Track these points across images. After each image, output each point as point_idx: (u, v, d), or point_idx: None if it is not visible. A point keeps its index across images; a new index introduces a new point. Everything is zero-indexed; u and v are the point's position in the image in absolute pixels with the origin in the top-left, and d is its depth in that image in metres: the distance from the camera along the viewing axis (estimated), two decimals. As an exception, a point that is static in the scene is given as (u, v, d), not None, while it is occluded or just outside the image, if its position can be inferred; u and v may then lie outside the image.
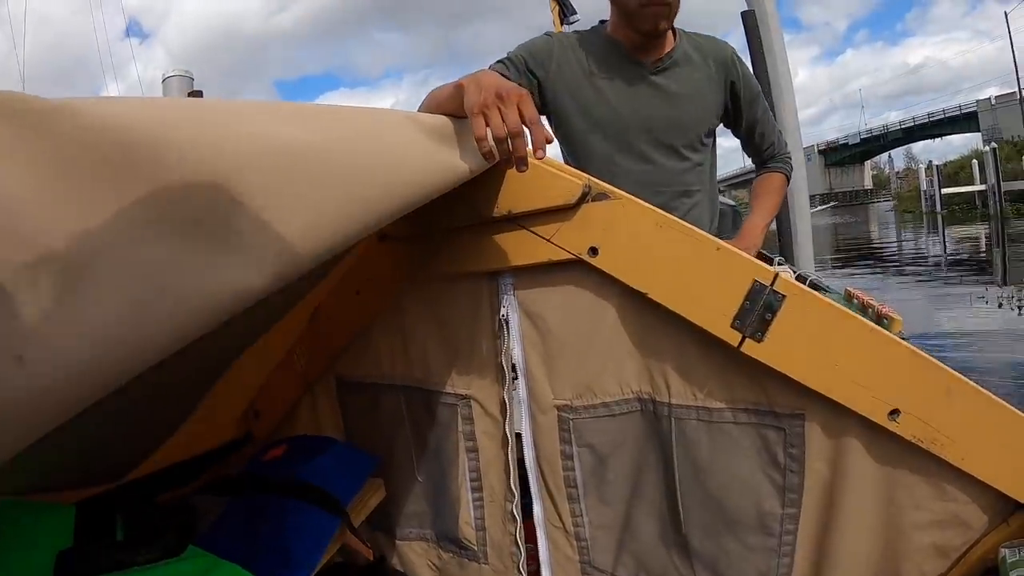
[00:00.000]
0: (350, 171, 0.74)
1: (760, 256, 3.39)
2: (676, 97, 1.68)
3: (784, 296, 1.00)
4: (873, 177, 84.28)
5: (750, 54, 4.18)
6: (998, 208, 31.55)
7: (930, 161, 45.27)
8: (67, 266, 0.43)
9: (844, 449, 1.03)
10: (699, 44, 1.73)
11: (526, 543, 1.33)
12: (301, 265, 0.63)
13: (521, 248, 1.17)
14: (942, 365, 0.96)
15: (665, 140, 1.68)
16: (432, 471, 1.44)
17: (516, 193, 1.13)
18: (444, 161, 0.96)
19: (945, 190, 39.44)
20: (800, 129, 4.48)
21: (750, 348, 1.02)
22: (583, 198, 1.09)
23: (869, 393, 0.97)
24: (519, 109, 0.99)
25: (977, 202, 36.33)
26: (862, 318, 0.98)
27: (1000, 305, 9.27)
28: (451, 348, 1.34)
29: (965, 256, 18.20)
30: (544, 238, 1.14)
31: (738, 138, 1.90)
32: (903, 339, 1.00)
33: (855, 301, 2.05)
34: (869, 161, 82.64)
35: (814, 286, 2.52)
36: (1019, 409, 0.95)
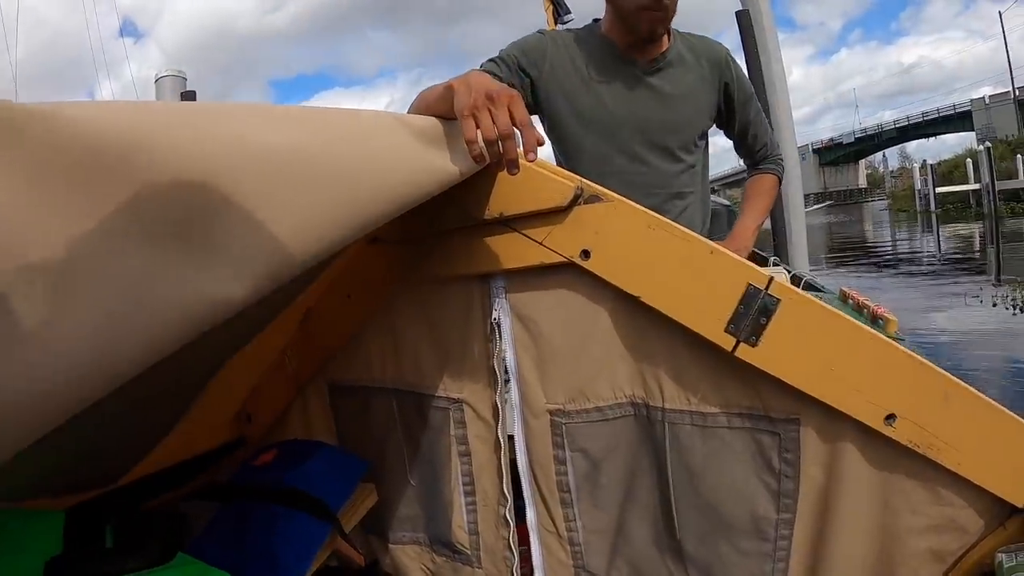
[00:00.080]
0: (337, 175, 0.73)
1: (755, 255, 3.39)
2: (670, 98, 1.67)
3: (779, 300, 0.98)
4: (867, 176, 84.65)
5: (744, 53, 4.18)
6: (992, 207, 31.66)
7: (924, 160, 45.49)
8: (38, 277, 0.42)
9: (839, 454, 1.02)
10: (692, 44, 1.72)
11: (520, 545, 1.32)
12: (285, 273, 0.62)
13: (513, 251, 1.16)
14: (939, 369, 0.95)
15: (659, 142, 1.67)
16: (425, 475, 1.43)
17: (507, 195, 1.12)
18: (434, 164, 0.95)
19: (939, 189, 39.56)
20: (794, 128, 4.48)
21: (744, 353, 1.01)
22: (575, 200, 1.08)
23: (865, 398, 0.96)
24: (510, 111, 0.98)
25: (971, 201, 36.42)
26: (858, 322, 0.97)
27: (995, 304, 9.29)
28: (443, 351, 1.33)
29: (960, 255, 18.27)
30: (536, 241, 1.13)
31: (731, 139, 1.89)
32: (899, 339, 0.99)
33: (850, 302, 2.05)
34: (863, 160, 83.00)
35: (809, 286, 2.53)
36: (1016, 411, 0.95)
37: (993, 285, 10.86)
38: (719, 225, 2.07)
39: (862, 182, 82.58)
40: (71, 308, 0.43)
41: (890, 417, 0.96)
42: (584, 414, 1.19)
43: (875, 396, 0.96)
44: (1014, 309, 8.95)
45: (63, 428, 0.45)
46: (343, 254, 1.29)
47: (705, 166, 1.80)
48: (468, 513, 1.37)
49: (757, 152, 1.89)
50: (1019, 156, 34.98)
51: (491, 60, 1.62)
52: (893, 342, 0.97)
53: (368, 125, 0.87)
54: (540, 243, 1.12)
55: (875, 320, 1.77)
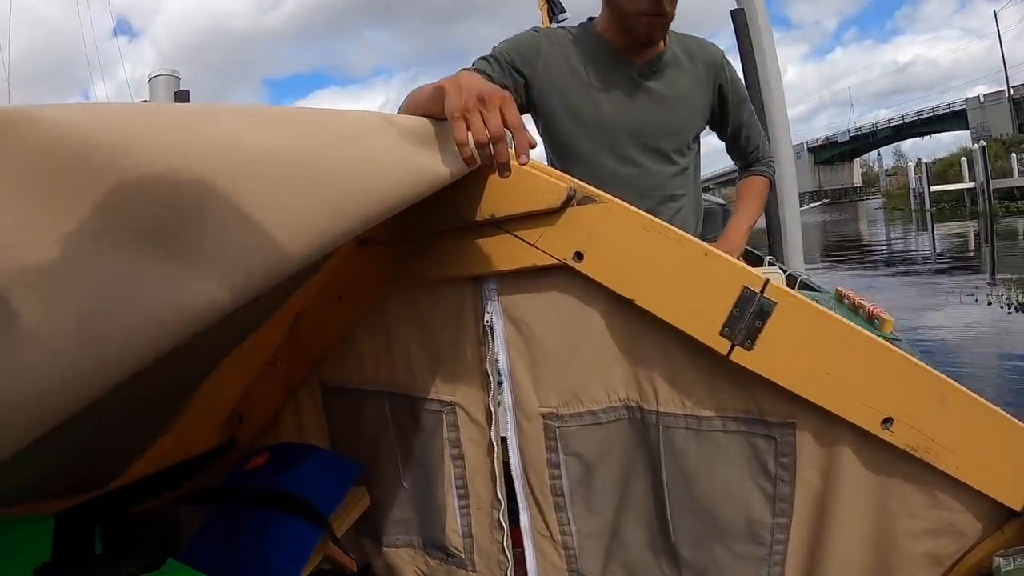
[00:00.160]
0: (326, 176, 0.72)
1: (750, 255, 3.38)
2: (666, 101, 1.66)
3: (775, 303, 0.97)
4: (862, 175, 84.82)
5: (740, 52, 4.19)
6: (987, 205, 31.76)
7: (919, 159, 45.57)
8: (18, 280, 0.41)
9: (836, 458, 1.01)
10: (687, 46, 1.70)
11: (514, 548, 1.31)
12: (274, 276, 0.61)
13: (505, 253, 1.15)
14: (936, 372, 0.94)
15: (653, 144, 1.66)
16: (418, 477, 1.42)
17: (499, 197, 1.11)
18: (424, 165, 0.94)
19: (934, 188, 39.69)
20: (789, 127, 4.48)
21: (739, 356, 1.00)
22: (568, 201, 1.07)
23: (862, 402, 0.96)
24: (501, 113, 0.97)
25: (966, 199, 36.55)
26: (855, 325, 0.96)
27: (990, 304, 9.32)
28: (435, 354, 1.32)
29: (955, 253, 18.32)
30: (528, 243, 1.11)
31: (723, 141, 1.89)
32: (895, 340, 0.98)
33: (846, 302, 2.04)
34: (858, 159, 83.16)
35: (804, 285, 2.52)
36: (1014, 411, 0.94)
37: (988, 284, 10.88)
38: (714, 225, 2.06)
39: (857, 181, 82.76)
40: (51, 312, 0.43)
41: (887, 421, 0.95)
42: (577, 417, 1.18)
43: (872, 400, 0.95)
44: (1009, 308, 8.97)
45: (51, 432, 0.44)
46: (334, 255, 1.28)
47: (697, 168, 1.80)
48: (462, 516, 1.36)
49: (749, 154, 1.89)
50: (1014, 155, 35.14)
51: (483, 58, 1.60)
52: (890, 345, 0.96)
53: (357, 126, 0.86)
54: (532, 245, 1.11)
55: (871, 320, 1.76)
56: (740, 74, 1.86)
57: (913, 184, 42.38)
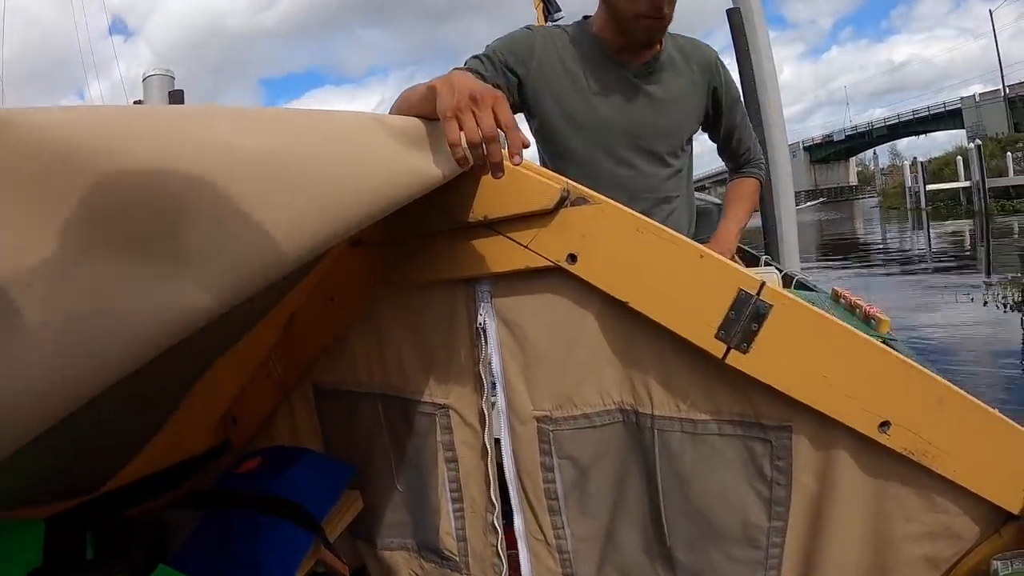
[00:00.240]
0: (316, 178, 0.71)
1: (746, 254, 3.37)
2: (661, 103, 1.65)
3: (771, 305, 0.96)
4: (858, 174, 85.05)
5: (736, 51, 4.18)
6: (983, 204, 31.84)
7: (915, 158, 45.79)
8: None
9: (832, 462, 1.00)
10: (682, 47, 1.70)
11: (509, 549, 1.30)
12: (263, 278, 0.61)
13: (498, 255, 1.14)
14: (933, 374, 0.93)
15: (648, 146, 1.65)
16: (412, 480, 1.41)
17: (492, 198, 1.10)
18: (416, 166, 0.93)
19: (930, 186, 39.84)
20: (785, 126, 4.48)
21: (735, 360, 0.99)
22: (561, 203, 1.06)
23: (859, 405, 0.95)
24: (494, 112, 0.96)
25: (961, 198, 36.67)
26: (852, 327, 0.95)
27: (985, 303, 9.33)
28: (428, 356, 1.31)
29: (950, 252, 18.37)
30: (521, 244, 1.10)
31: (714, 142, 1.89)
32: (892, 340, 0.98)
33: (842, 302, 2.03)
34: (854, 158, 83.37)
35: (801, 285, 2.51)
36: (1010, 411, 0.93)
37: (984, 283, 10.90)
38: (710, 224, 2.06)
39: (853, 180, 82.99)
40: (29, 319, 0.42)
41: (884, 424, 0.94)
42: (571, 421, 1.17)
43: (869, 403, 0.94)
44: (1005, 308, 8.99)
45: (42, 435, 0.44)
46: (327, 256, 1.27)
47: (690, 169, 1.80)
48: (456, 520, 1.35)
49: (741, 156, 1.89)
50: (1009, 154, 35.28)
51: (476, 57, 1.58)
52: (887, 348, 0.95)
53: (347, 127, 0.85)
54: (526, 247, 1.10)
55: (868, 320, 1.76)
56: (736, 73, 1.86)
57: (909, 183, 42.54)
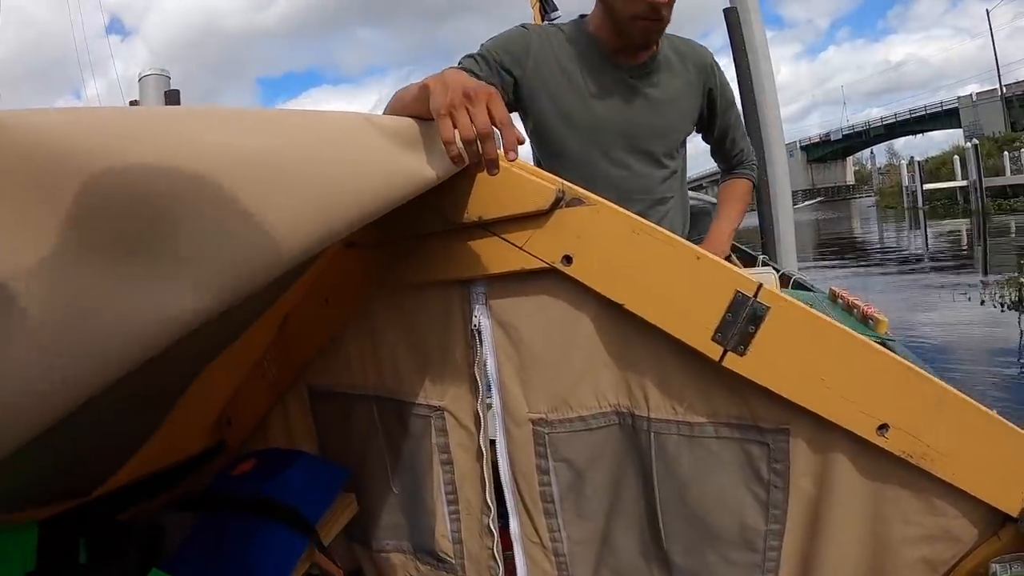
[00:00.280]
0: (311, 179, 0.70)
1: (744, 254, 3.36)
2: (657, 103, 1.64)
3: (768, 308, 0.96)
4: (855, 173, 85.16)
5: (733, 51, 4.17)
6: (980, 203, 31.90)
7: (912, 157, 45.78)
8: None
9: (830, 465, 1.00)
10: (678, 48, 1.69)
11: (505, 552, 1.30)
12: (256, 280, 0.60)
13: (493, 256, 1.13)
14: (932, 377, 0.93)
15: (644, 147, 1.65)
16: (407, 483, 1.41)
17: (486, 198, 1.09)
18: (410, 166, 0.92)
19: (927, 186, 39.90)
20: (782, 125, 4.48)
21: (732, 362, 0.98)
22: (556, 203, 1.05)
23: (857, 408, 0.94)
24: (488, 109, 0.95)
25: (959, 198, 36.71)
26: (850, 330, 0.95)
27: (983, 303, 9.35)
28: (423, 358, 1.30)
29: (948, 251, 18.41)
30: (516, 246, 1.10)
31: (708, 143, 1.89)
32: (890, 341, 0.97)
33: (840, 302, 2.03)
34: (851, 157, 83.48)
35: (798, 285, 2.51)
36: (1008, 409, 0.93)
37: (981, 282, 10.92)
38: (706, 224, 2.05)
39: (850, 179, 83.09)
40: (16, 323, 0.41)
41: (883, 427, 0.94)
42: (567, 423, 1.17)
43: (867, 406, 0.94)
44: (1002, 307, 9.01)
45: (38, 437, 0.44)
46: (321, 257, 1.26)
47: (684, 170, 1.80)
48: (451, 522, 1.34)
49: (733, 157, 1.89)
50: (1006, 153, 35.32)
51: (470, 56, 1.57)
52: (885, 350, 0.95)
53: (340, 127, 0.84)
54: (520, 248, 1.09)
55: (865, 320, 1.75)
56: (733, 73, 1.86)
57: (906, 182, 42.59)
